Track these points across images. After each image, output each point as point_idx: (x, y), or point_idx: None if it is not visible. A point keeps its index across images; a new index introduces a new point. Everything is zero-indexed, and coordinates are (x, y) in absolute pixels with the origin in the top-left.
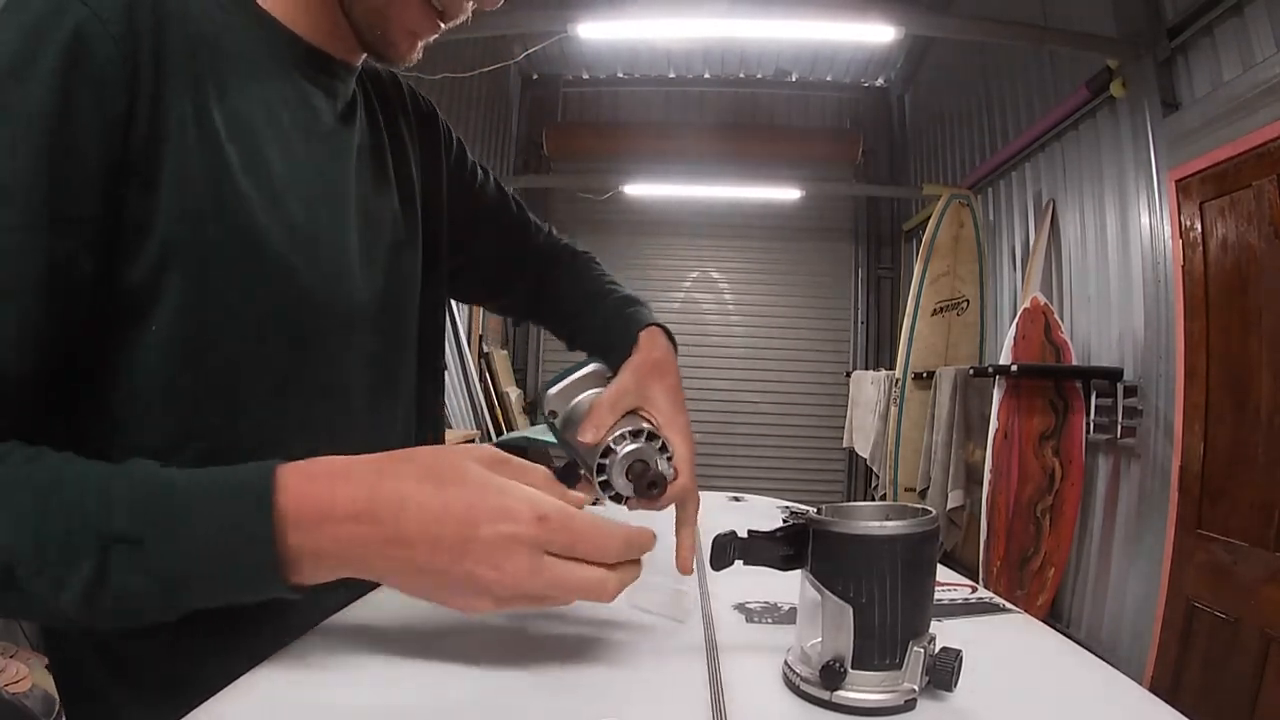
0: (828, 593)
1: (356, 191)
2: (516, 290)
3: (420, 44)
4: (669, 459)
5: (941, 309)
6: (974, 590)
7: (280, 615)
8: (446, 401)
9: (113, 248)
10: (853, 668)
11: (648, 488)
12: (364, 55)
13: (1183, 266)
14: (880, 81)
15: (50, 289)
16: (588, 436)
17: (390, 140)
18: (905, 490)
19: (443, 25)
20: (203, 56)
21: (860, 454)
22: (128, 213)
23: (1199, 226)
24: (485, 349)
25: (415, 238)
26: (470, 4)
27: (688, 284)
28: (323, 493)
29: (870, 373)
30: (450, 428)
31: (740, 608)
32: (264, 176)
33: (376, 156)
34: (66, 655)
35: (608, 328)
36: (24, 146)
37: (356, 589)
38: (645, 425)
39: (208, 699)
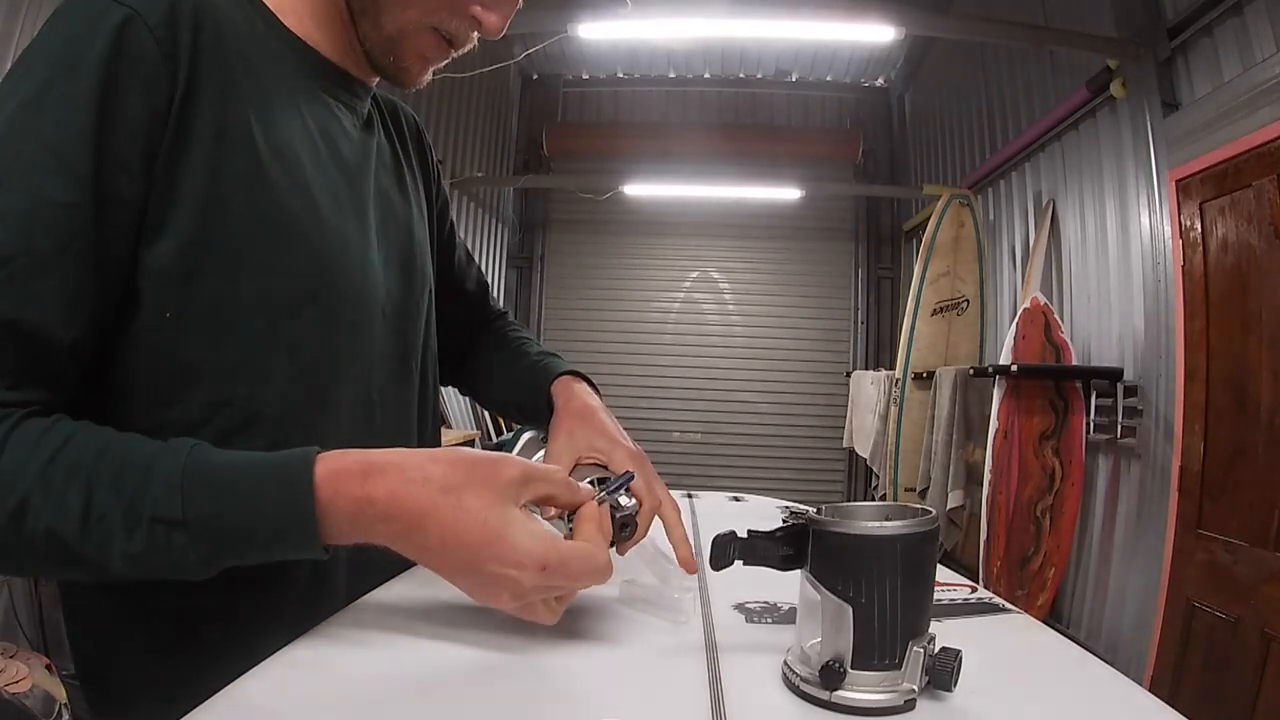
0: (827, 593)
1: (375, 200)
2: (456, 357)
3: (430, 69)
4: (627, 492)
5: (941, 309)
6: (974, 590)
7: (288, 589)
8: (447, 402)
9: (140, 233)
10: (852, 668)
11: (620, 530)
12: (377, 79)
13: (1183, 266)
14: (880, 81)
15: (95, 263)
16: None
17: (403, 158)
18: (905, 490)
19: (453, 52)
20: (236, 63)
21: (860, 454)
22: (152, 202)
23: (1199, 226)
24: None
25: (426, 247)
26: (475, 32)
27: (688, 284)
28: (356, 492)
29: (870, 373)
30: (450, 427)
31: (740, 608)
32: (295, 171)
33: (394, 170)
34: (80, 602)
35: (522, 390)
36: (75, 127)
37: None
38: (590, 477)
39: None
